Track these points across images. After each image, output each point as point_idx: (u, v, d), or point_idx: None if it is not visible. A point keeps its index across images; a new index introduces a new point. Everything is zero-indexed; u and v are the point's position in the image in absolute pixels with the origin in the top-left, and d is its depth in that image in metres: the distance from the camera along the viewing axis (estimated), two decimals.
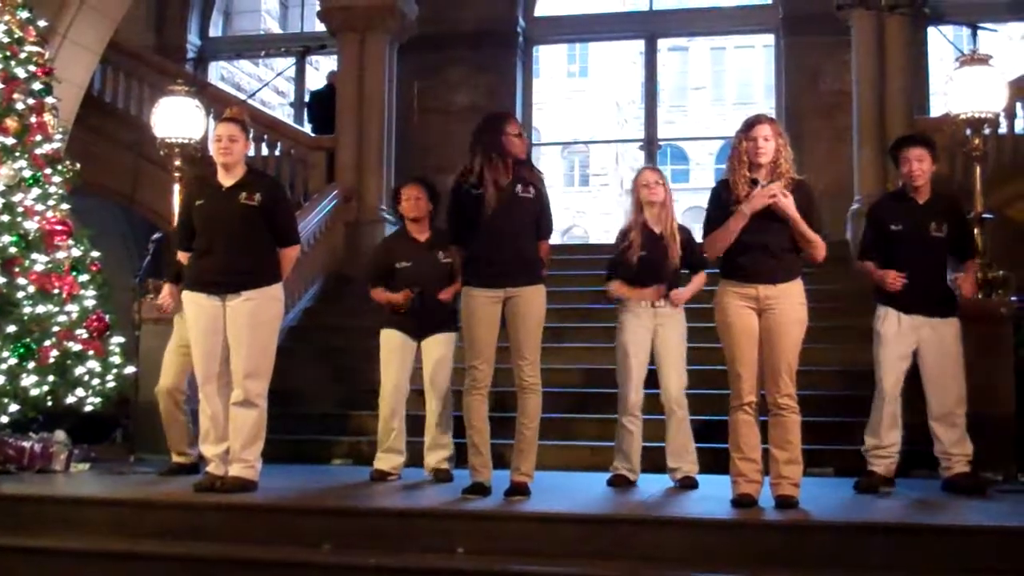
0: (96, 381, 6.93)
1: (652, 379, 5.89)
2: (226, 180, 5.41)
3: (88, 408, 6.92)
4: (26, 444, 6.36)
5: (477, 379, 5.20)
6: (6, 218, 6.83)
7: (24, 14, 7.44)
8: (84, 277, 7.13)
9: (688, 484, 5.65)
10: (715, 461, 5.70)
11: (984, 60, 6.62)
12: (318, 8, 11.57)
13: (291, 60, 13.69)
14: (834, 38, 10.63)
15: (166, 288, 6.45)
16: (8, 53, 7.21)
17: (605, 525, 4.70)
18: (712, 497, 5.11)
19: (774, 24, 12.16)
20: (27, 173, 7.02)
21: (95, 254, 7.34)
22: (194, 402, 5.70)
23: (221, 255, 5.33)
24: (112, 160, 10.58)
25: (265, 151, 10.83)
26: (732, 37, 32.49)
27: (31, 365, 6.62)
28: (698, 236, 5.67)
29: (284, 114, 15.64)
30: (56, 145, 7.39)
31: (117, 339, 7.17)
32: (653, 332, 5.81)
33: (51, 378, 6.69)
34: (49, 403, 6.72)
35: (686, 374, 5.84)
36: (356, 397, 7.82)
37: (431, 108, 12.18)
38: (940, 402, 5.52)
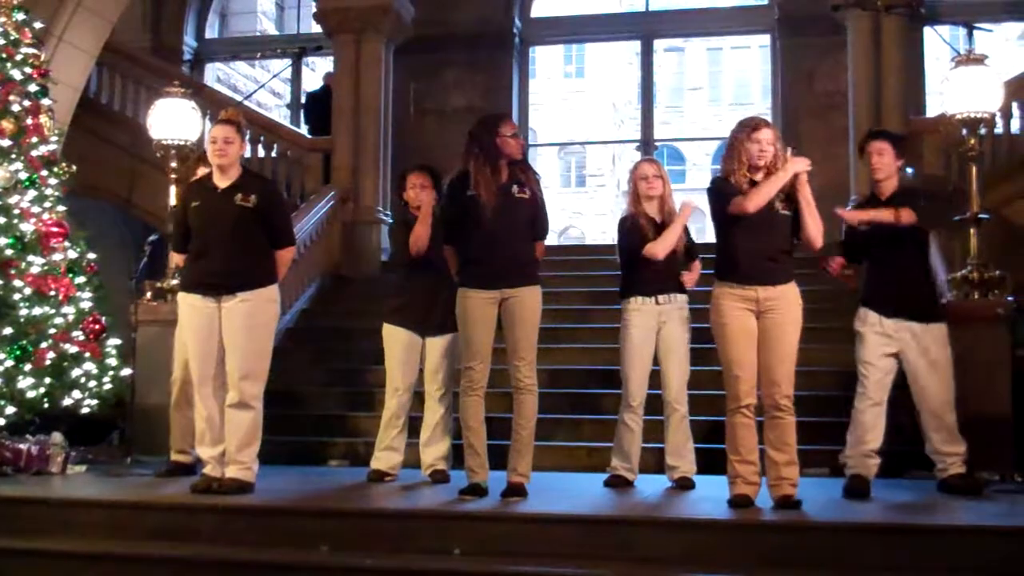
0: (93, 383, 6.91)
1: (653, 379, 5.88)
2: (221, 181, 5.41)
3: (85, 410, 6.89)
4: (23, 446, 6.33)
5: (473, 380, 5.20)
6: (2, 220, 6.80)
7: (20, 16, 7.41)
8: (80, 279, 7.10)
9: (685, 485, 5.65)
10: (712, 463, 5.70)
11: (980, 60, 6.61)
12: (314, 10, 11.57)
13: (287, 61, 13.66)
14: (830, 39, 10.63)
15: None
16: (4, 55, 7.18)
17: (602, 526, 4.71)
18: (709, 498, 5.12)
19: (770, 25, 12.15)
20: (23, 175, 6.99)
21: (91, 256, 7.31)
22: None
23: (216, 257, 5.33)
24: (108, 162, 10.58)
25: (261, 152, 10.81)
26: (728, 38, 32.57)
27: (27, 367, 6.60)
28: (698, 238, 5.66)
29: (280, 115, 15.65)
30: (52, 147, 7.37)
31: (114, 341, 7.15)
32: (657, 329, 5.80)
33: (47, 380, 6.66)
34: (46, 405, 6.69)
35: (689, 371, 5.83)
36: (353, 398, 7.83)
37: (427, 109, 12.20)
38: (926, 405, 5.51)
